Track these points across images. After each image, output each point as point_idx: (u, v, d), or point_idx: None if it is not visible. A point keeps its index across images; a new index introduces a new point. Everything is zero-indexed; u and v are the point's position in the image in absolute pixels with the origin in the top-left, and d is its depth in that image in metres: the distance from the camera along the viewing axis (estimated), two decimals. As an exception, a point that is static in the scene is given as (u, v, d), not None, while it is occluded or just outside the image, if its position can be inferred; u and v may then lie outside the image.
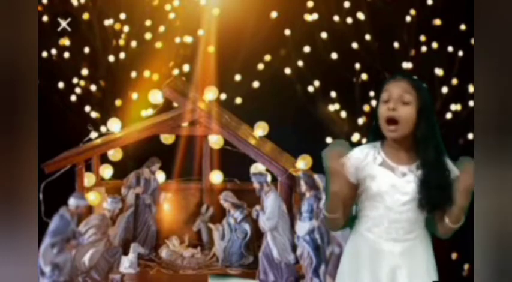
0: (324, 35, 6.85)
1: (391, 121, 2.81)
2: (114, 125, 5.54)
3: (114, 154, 5.61)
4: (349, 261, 3.01)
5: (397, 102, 2.80)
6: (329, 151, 2.82)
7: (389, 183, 2.87)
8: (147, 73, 6.73)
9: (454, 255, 6.61)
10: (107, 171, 5.63)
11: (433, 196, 2.83)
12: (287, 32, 6.85)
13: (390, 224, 2.90)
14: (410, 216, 2.89)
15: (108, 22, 6.79)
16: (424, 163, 2.86)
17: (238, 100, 6.87)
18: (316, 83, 6.89)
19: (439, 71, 6.69)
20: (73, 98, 6.79)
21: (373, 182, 2.89)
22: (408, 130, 2.83)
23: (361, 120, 6.79)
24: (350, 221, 3.02)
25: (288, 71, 6.90)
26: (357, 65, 6.81)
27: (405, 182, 2.87)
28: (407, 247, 2.91)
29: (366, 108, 6.74)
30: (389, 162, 2.90)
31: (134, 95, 6.67)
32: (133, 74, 6.79)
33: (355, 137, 6.70)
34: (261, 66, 6.95)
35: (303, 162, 5.19)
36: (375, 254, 2.91)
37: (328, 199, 2.88)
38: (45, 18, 6.70)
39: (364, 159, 2.91)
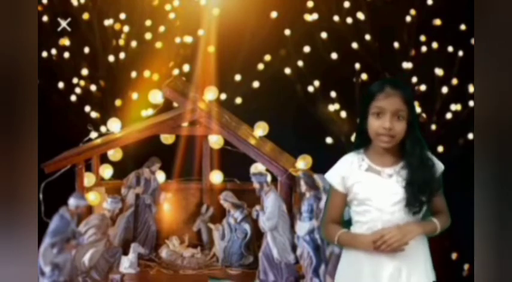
0: (324, 35, 6.85)
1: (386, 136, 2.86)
2: (114, 125, 5.53)
3: (114, 154, 5.60)
4: (349, 265, 3.02)
5: (392, 119, 2.84)
6: None
7: (376, 185, 2.92)
8: (147, 73, 6.73)
9: (454, 255, 6.62)
10: (107, 171, 5.63)
11: (420, 193, 2.87)
12: (287, 32, 6.85)
13: (384, 225, 2.91)
14: (403, 216, 2.91)
15: (108, 22, 6.79)
16: (409, 165, 2.90)
17: (238, 100, 6.88)
18: (316, 83, 6.89)
19: (439, 71, 6.69)
20: (73, 98, 6.80)
21: (360, 187, 2.94)
22: (399, 140, 2.88)
23: (361, 121, 6.78)
24: (345, 227, 3.05)
25: (288, 71, 6.90)
26: (357, 65, 6.81)
27: (392, 182, 2.91)
28: (405, 247, 2.92)
29: (366, 108, 6.73)
30: (375, 167, 2.94)
31: (134, 95, 6.68)
32: (134, 74, 6.79)
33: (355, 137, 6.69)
34: (261, 66, 6.95)
35: (303, 162, 5.19)
36: (374, 258, 2.93)
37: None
38: (45, 18, 6.70)
39: (349, 168, 2.97)
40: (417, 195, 2.87)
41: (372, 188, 2.92)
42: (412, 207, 2.88)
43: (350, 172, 2.96)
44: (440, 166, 2.96)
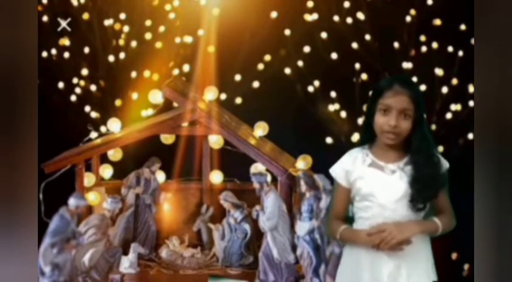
0: (324, 35, 6.85)
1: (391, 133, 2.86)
2: (114, 125, 5.53)
3: (114, 154, 5.60)
4: (349, 264, 3.03)
5: (398, 117, 2.84)
6: None
7: (379, 181, 2.91)
8: (147, 73, 6.73)
9: (454, 255, 6.62)
10: (107, 171, 5.63)
11: (425, 190, 2.87)
12: (287, 32, 6.85)
13: (385, 221, 2.91)
14: (404, 213, 2.91)
15: (108, 22, 6.78)
16: (415, 162, 2.90)
17: (238, 100, 6.87)
18: (316, 83, 6.89)
19: (439, 71, 6.68)
20: (73, 98, 6.79)
21: (363, 182, 2.93)
22: (404, 137, 2.88)
23: (361, 120, 6.79)
24: (349, 223, 3.04)
25: (288, 71, 6.89)
26: (357, 65, 6.80)
27: (395, 179, 2.91)
28: (406, 246, 2.92)
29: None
30: (378, 162, 2.94)
31: (134, 95, 6.67)
32: (134, 74, 6.78)
33: (355, 137, 6.70)
34: (261, 66, 6.94)
35: (303, 162, 5.19)
36: (374, 255, 2.93)
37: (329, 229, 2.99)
38: (45, 18, 6.69)
39: (353, 163, 2.97)
40: (422, 191, 2.87)
41: (374, 183, 2.92)
42: (416, 203, 2.89)
43: (354, 167, 2.96)
44: (445, 163, 2.96)
